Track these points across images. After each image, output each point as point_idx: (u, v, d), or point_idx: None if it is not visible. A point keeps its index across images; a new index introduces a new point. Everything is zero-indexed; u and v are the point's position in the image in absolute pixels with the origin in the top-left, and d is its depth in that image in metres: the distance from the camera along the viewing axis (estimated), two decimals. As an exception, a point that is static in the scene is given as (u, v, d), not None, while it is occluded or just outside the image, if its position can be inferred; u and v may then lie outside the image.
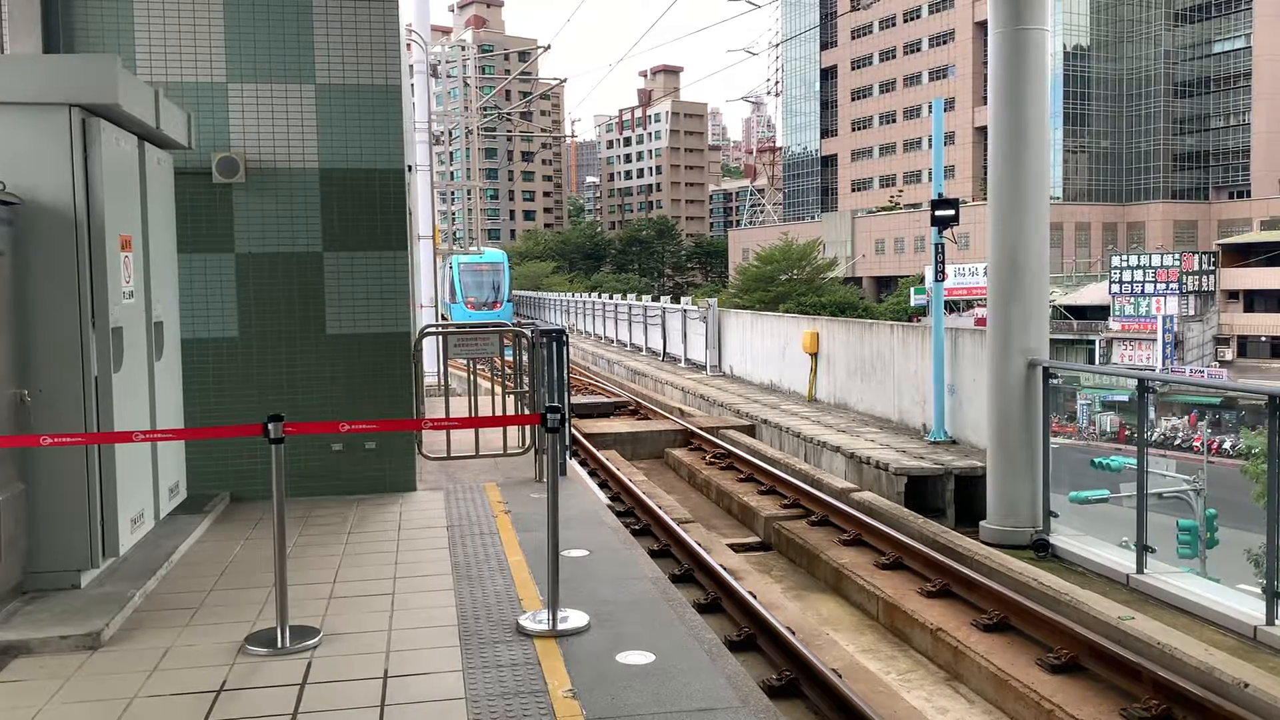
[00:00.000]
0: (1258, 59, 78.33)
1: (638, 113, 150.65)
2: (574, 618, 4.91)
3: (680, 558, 8.73)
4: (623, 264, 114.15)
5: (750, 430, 15.66)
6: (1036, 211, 10.12)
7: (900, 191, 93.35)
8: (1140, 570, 8.25)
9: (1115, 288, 54.07)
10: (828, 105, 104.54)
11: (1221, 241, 65.49)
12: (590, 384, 22.79)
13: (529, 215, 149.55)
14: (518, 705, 4.01)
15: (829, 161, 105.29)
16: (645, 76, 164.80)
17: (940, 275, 13.96)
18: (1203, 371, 49.09)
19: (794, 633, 6.61)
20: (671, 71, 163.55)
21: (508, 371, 10.03)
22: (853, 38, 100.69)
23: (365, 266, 7.59)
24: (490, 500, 7.58)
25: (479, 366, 10.79)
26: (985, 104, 11.09)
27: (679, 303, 27.61)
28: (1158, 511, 10.05)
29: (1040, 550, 9.42)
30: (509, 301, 39.78)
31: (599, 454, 13.23)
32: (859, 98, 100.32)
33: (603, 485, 11.50)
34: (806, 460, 13.45)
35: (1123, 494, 11.57)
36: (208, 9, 7.29)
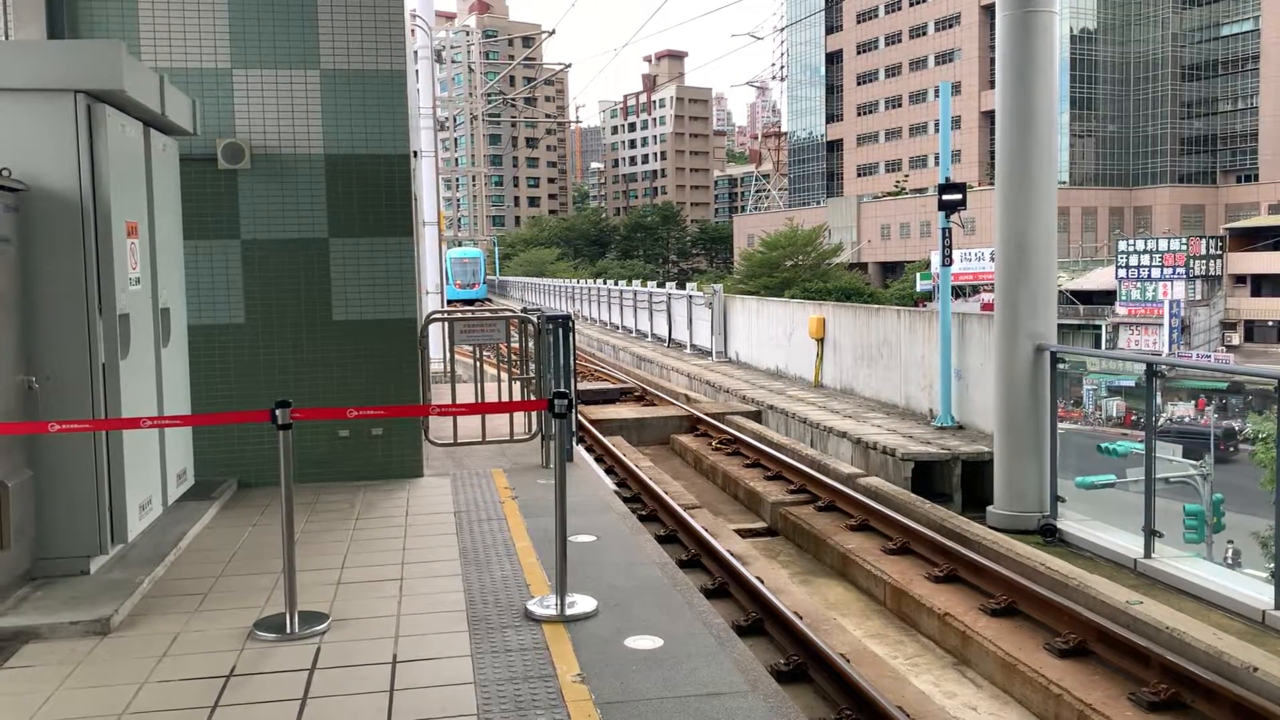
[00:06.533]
0: (1266, 42, 77.86)
1: (642, 98, 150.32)
2: (582, 603, 4.92)
3: (687, 543, 8.73)
4: (627, 250, 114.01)
5: (756, 416, 15.65)
6: (1044, 195, 10.08)
7: (906, 176, 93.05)
8: (1148, 555, 8.24)
9: (1122, 272, 53.90)
10: (833, 90, 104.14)
11: (1229, 226, 65.24)
12: (596, 370, 22.78)
13: (533, 201, 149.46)
14: (526, 690, 4.02)
15: (834, 147, 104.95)
16: (650, 62, 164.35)
17: (947, 260, 13.91)
18: (1209, 356, 48.98)
19: (801, 618, 6.61)
20: (676, 56, 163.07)
21: (514, 358, 10.03)
22: (858, 22, 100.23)
23: (371, 252, 7.58)
24: (497, 486, 7.58)
25: (485, 353, 10.77)
26: (992, 88, 11.04)
27: (684, 289, 27.58)
28: (1164, 496, 10.01)
29: (1047, 535, 9.42)
30: (484, 283, 56.62)
31: (605, 440, 13.23)
32: (864, 82, 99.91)
33: (609, 471, 11.49)
34: (813, 446, 13.44)
35: (1129, 479, 11.54)
36: (212, -6, 7.27)
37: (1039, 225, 10.06)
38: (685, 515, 9.15)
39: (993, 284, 10.93)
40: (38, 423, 4.99)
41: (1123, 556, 8.47)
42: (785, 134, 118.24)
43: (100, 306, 5.35)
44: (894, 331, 15.20)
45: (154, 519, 6.11)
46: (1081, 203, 78.63)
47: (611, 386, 18.54)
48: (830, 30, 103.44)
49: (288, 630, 4.65)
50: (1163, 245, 54.16)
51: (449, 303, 33.64)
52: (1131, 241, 56.60)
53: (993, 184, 10.61)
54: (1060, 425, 10.03)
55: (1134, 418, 32.96)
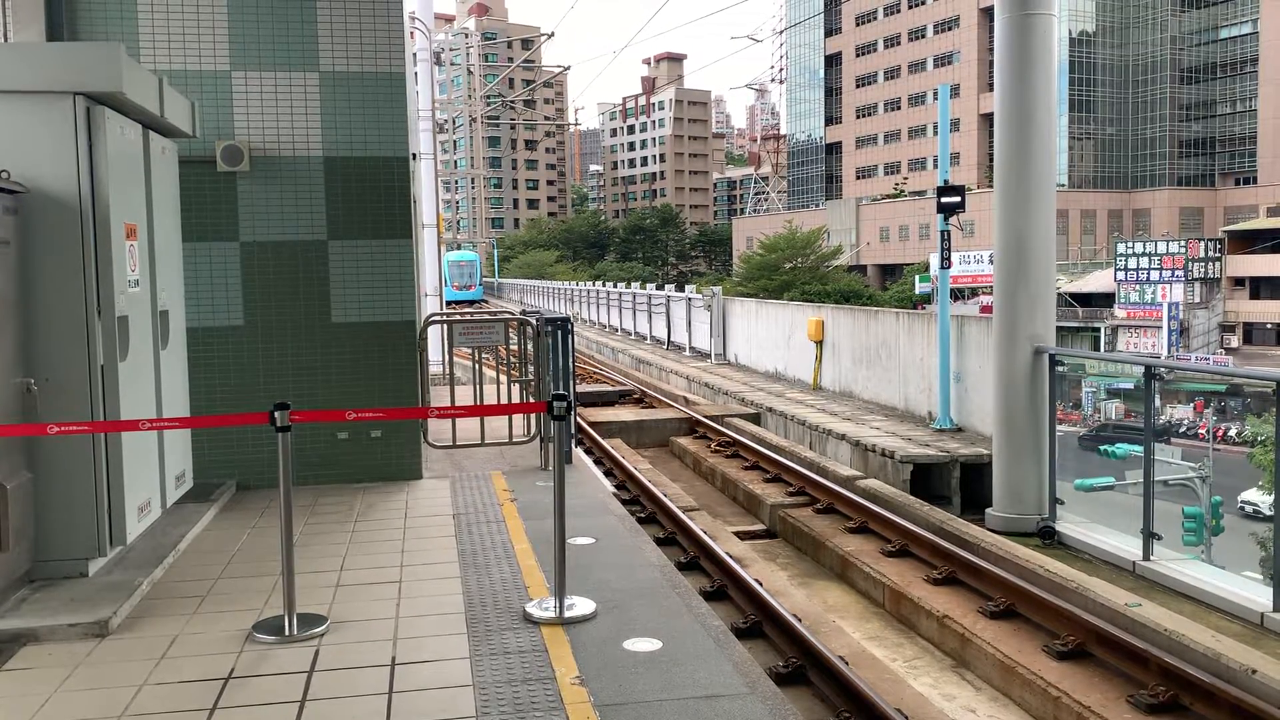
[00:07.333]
0: (1264, 45, 77.95)
1: (641, 100, 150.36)
2: (581, 605, 4.92)
3: (686, 545, 8.73)
4: (627, 252, 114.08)
5: (755, 418, 15.65)
6: (1043, 198, 10.09)
7: (905, 179, 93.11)
8: (1147, 557, 8.24)
9: (1121, 275, 53.95)
10: (832, 92, 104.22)
11: (1227, 228, 65.28)
12: (595, 372, 22.79)
13: (532, 204, 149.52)
14: (525, 692, 4.02)
15: (833, 149, 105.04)
16: (649, 64, 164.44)
17: (946, 262, 13.92)
18: (1208, 359, 49.01)
19: (800, 620, 6.60)
20: (675, 59, 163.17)
21: (513, 360, 10.02)
22: (857, 24, 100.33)
23: (370, 255, 7.58)
24: (496, 488, 7.58)
25: (484, 355, 10.78)
26: (991, 90, 11.06)
27: (683, 291, 27.59)
28: (1163, 499, 10.02)
29: (1046, 537, 9.42)
30: (480, 285, 59.46)
31: (604, 442, 13.23)
32: (863, 85, 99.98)
33: (608, 473, 11.50)
34: (812, 448, 13.44)
35: (1128, 481, 11.55)
36: (211, -4, 7.28)
37: (1038, 228, 10.07)
38: (684, 517, 9.15)
39: (991, 286, 10.94)
40: (37, 424, 4.98)
41: (1121, 559, 8.47)
42: (784, 136, 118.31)
43: (99, 308, 5.35)
44: (893, 334, 15.20)
45: (153, 521, 6.11)
46: (1080, 205, 78.67)
47: (610, 389, 18.54)
48: (829, 33, 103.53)
49: (286, 632, 4.65)
50: (1161, 248, 54.22)
51: (446, 304, 34.19)
52: (1130, 244, 56.65)
53: (991, 186, 10.62)
54: (1059, 427, 10.03)
55: (1133, 420, 32.93)
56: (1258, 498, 20.63)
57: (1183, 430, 34.20)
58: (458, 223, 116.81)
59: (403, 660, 4.38)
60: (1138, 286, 53.07)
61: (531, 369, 8.76)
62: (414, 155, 8.37)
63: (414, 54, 18.31)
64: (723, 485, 12.14)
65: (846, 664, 5.93)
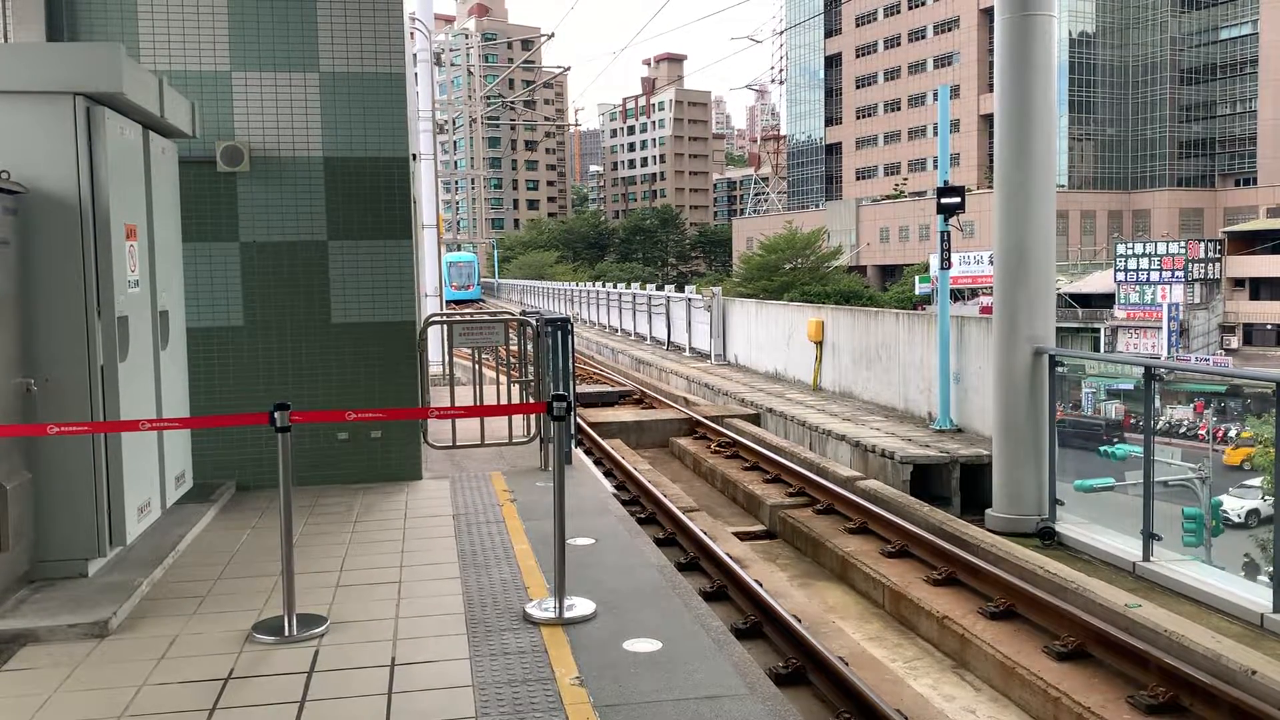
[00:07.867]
0: (1265, 45, 77.97)
1: (641, 101, 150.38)
2: (580, 605, 4.92)
3: (686, 546, 8.73)
4: (626, 253, 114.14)
5: (755, 419, 15.64)
6: (1043, 199, 10.09)
7: (905, 180, 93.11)
8: (1146, 558, 8.24)
9: (1120, 275, 53.99)
10: (832, 93, 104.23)
11: (1227, 229, 65.27)
12: (595, 373, 22.77)
13: (532, 204, 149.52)
14: (525, 693, 4.02)
15: (833, 150, 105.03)
16: (649, 65, 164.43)
17: (946, 263, 13.92)
18: (1208, 359, 49.03)
19: (800, 621, 6.60)
20: (675, 60, 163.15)
21: (513, 360, 10.02)
22: (857, 25, 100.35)
23: (370, 255, 7.58)
24: (496, 489, 7.58)
25: (484, 355, 10.78)
26: (991, 91, 11.05)
27: (683, 292, 27.59)
28: (1163, 499, 10.02)
29: (1046, 538, 9.42)
30: (478, 285, 60.24)
31: (604, 443, 13.22)
32: (863, 85, 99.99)
33: (608, 474, 11.49)
34: (812, 449, 13.44)
35: (1128, 482, 11.55)
36: (211, -3, 7.28)
37: (1037, 229, 10.07)
38: (684, 518, 9.15)
39: (991, 287, 10.94)
40: (36, 425, 4.98)
41: (1121, 559, 8.48)
42: (784, 137, 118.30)
43: (99, 309, 5.35)
44: (893, 334, 15.20)
45: (152, 521, 6.11)
46: (1080, 206, 78.68)
47: (610, 389, 18.54)
48: (829, 34, 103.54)
49: (286, 633, 4.65)
50: (1161, 248, 54.26)
51: (445, 304, 34.45)
52: (1130, 245, 56.68)
53: (991, 187, 10.63)
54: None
55: (1133, 420, 32.92)
56: (1227, 504, 20.68)
57: (1183, 431, 34.20)
58: (458, 223, 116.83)
59: (402, 661, 4.38)
60: (1137, 287, 53.11)
61: (531, 369, 8.76)
62: (414, 156, 8.37)
63: (414, 54, 18.33)
64: (723, 486, 12.13)
65: (846, 664, 5.92)
